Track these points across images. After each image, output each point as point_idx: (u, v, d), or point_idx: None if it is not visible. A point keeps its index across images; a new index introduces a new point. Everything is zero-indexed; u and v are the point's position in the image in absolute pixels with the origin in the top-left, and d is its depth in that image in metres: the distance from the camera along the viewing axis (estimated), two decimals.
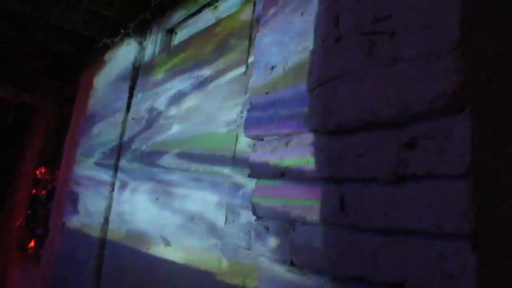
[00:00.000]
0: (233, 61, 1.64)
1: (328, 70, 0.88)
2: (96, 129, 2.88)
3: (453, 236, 0.63)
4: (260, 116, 1.06)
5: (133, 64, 2.62)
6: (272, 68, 1.06)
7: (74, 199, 2.85)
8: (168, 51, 2.33)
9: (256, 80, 1.11)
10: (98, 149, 2.72)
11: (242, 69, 1.56)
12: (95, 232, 2.35)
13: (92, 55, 3.35)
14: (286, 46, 1.04)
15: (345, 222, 0.79)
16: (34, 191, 4.02)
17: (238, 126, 1.48)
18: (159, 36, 2.53)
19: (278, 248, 0.95)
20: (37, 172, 4.07)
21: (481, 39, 0.69)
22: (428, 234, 0.66)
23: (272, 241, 0.97)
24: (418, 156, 0.68)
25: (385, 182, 0.73)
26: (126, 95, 2.55)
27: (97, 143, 2.77)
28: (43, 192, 3.88)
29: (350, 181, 0.80)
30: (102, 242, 2.28)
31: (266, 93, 1.05)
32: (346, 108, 0.82)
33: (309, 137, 0.92)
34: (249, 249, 1.30)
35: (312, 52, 0.95)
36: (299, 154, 0.93)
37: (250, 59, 1.52)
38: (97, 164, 2.67)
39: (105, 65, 3.12)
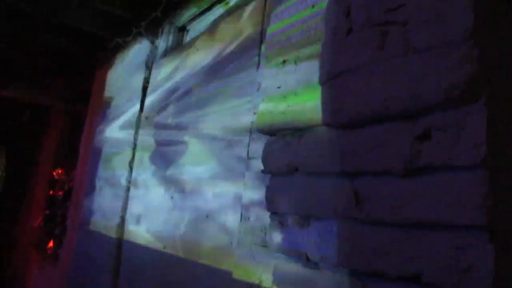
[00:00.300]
0: (244, 55, 1.66)
1: (340, 63, 0.90)
2: (110, 129, 2.95)
3: (470, 228, 0.64)
4: (272, 110, 1.08)
5: (146, 63, 2.67)
6: (284, 62, 1.07)
7: (91, 198, 2.93)
8: (181, 48, 2.37)
9: (268, 75, 1.13)
10: (113, 148, 2.79)
11: (254, 65, 1.58)
12: (112, 232, 2.42)
13: (105, 55, 3.43)
14: (298, 38, 1.05)
15: (360, 216, 0.81)
16: (51, 192, 4.14)
17: (251, 122, 1.50)
18: (171, 34, 2.57)
19: (294, 244, 0.97)
20: (54, 173, 4.19)
21: (495, 28, 0.69)
22: (444, 227, 0.67)
23: (287, 237, 0.99)
24: (432, 148, 0.69)
25: (398, 175, 0.74)
26: (139, 94, 2.60)
27: (113, 142, 2.83)
28: (60, 192, 3.99)
29: (363, 175, 0.81)
30: (119, 242, 2.34)
31: (278, 87, 1.07)
32: (358, 101, 0.83)
33: (321, 131, 0.93)
34: (265, 246, 1.33)
35: (323, 45, 0.96)
36: (312, 148, 0.95)
37: (261, 56, 1.53)
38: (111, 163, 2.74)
39: (118, 65, 3.19)
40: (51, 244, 3.78)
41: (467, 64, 0.66)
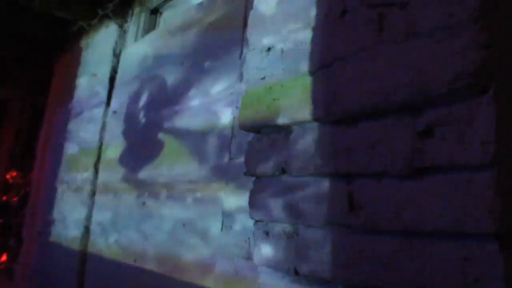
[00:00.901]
0: (226, 45, 1.65)
1: (333, 49, 0.89)
2: (73, 125, 2.90)
3: (477, 236, 0.63)
4: (256, 105, 1.07)
5: (114, 50, 2.63)
6: (269, 49, 1.06)
7: (50, 205, 2.88)
8: (153, 33, 2.34)
9: (251, 64, 1.11)
10: (76, 148, 2.74)
11: (236, 53, 1.56)
12: (76, 244, 2.37)
13: (67, 41, 3.36)
14: (285, 23, 1.04)
15: (356, 224, 0.80)
16: (4, 197, 4.06)
17: (233, 117, 1.49)
18: (142, 17, 2.53)
19: (281, 256, 0.96)
20: (8, 177, 4.11)
21: (505, 10, 0.69)
22: (449, 235, 0.67)
23: (273, 248, 0.98)
24: (435, 146, 0.69)
25: (398, 176, 0.73)
26: (106, 85, 2.56)
27: (76, 141, 2.79)
28: (15, 198, 3.91)
29: (359, 176, 0.81)
30: (83, 255, 2.30)
31: (262, 78, 1.06)
32: (354, 93, 0.83)
33: (312, 127, 0.92)
34: (248, 258, 1.31)
35: (314, 29, 0.95)
36: (302, 146, 0.94)
37: (244, 41, 1.52)
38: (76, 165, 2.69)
39: (82, 52, 3.13)
40: (4, 258, 3.71)
41: (474, 51, 0.66)
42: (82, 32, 3.15)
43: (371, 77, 0.80)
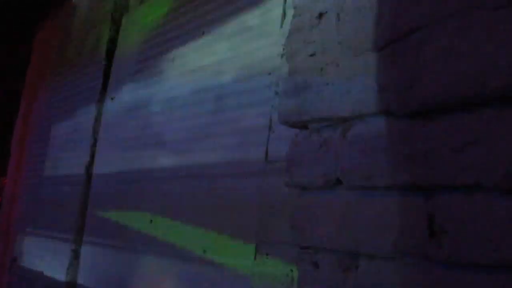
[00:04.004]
0: (261, 6, 1.67)
1: (408, 16, 0.89)
2: (58, 115, 2.99)
3: None
4: (303, 92, 1.09)
5: (112, 14, 2.69)
6: (320, 15, 1.08)
7: (29, 219, 2.98)
8: None
9: (297, 35, 1.14)
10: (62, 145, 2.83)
11: (275, 21, 1.58)
12: (61, 272, 2.46)
13: (51, 4, 3.45)
14: None
15: (437, 255, 0.81)
16: None
17: (271, 107, 1.51)
18: None
19: None
20: None
21: None
22: None
23: (324, 285, 1.00)
24: None
25: (498, 190, 0.73)
26: (101, 63, 2.62)
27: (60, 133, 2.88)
28: None
29: (443, 190, 0.81)
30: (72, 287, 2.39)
31: (311, 55, 1.08)
32: (438, 76, 0.83)
33: (378, 122, 0.94)
34: None
35: None
36: (363, 148, 0.95)
37: (287, 5, 1.54)
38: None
39: (70, 19, 3.22)
40: None
41: None
42: None
43: (462, 56, 0.80)
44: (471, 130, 0.79)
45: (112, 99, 2.52)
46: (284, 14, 1.60)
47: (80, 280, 2.37)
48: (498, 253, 0.73)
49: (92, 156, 2.52)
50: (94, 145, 2.54)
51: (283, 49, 1.50)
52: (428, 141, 0.85)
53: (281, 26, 1.59)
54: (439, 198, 0.82)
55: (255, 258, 1.51)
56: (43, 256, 2.74)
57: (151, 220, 1.98)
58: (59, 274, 2.48)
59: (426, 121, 0.86)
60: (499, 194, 0.74)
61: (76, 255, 2.41)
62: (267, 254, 1.48)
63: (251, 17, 1.75)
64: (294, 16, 1.17)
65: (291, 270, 1.36)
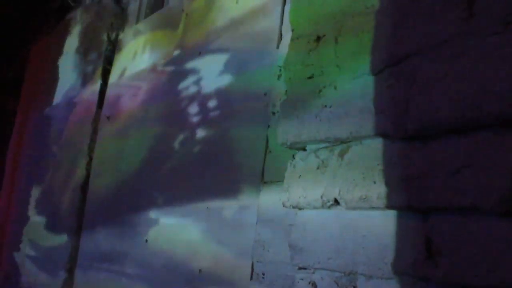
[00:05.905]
0: (259, 28, 1.69)
1: (404, 41, 0.91)
2: (52, 131, 2.98)
3: None
4: (301, 114, 1.10)
5: (108, 34, 2.69)
6: (318, 38, 1.09)
7: (22, 237, 2.95)
8: (162, 13, 2.40)
9: (294, 57, 1.15)
10: (56, 163, 2.81)
11: (272, 41, 1.60)
12: None
13: (47, 21, 3.44)
14: (339, 5, 1.07)
15: (434, 276, 0.81)
16: None
17: (268, 127, 1.52)
18: None
19: None
20: None
21: None
22: None
23: None
24: None
25: (493, 213, 0.74)
26: (97, 82, 2.62)
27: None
28: None
29: (439, 212, 0.82)
30: None
31: (310, 77, 1.09)
32: (432, 101, 0.84)
33: (375, 145, 0.95)
34: None
35: (378, 13, 0.98)
36: (361, 170, 0.96)
37: (284, 26, 1.55)
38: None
39: (66, 37, 3.22)
40: None
41: None
42: (65, 10, 3.23)
43: (457, 80, 0.81)
44: (466, 153, 0.80)
45: (108, 118, 2.52)
46: (280, 35, 1.61)
47: None
48: (493, 274, 0.74)
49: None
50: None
51: (280, 70, 1.51)
52: (424, 163, 0.85)
53: (277, 47, 1.61)
54: (435, 220, 0.83)
55: (251, 277, 1.51)
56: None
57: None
58: None
59: (422, 144, 0.87)
60: (494, 217, 0.75)
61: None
62: (263, 274, 1.48)
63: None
64: (292, 39, 1.18)
65: None
